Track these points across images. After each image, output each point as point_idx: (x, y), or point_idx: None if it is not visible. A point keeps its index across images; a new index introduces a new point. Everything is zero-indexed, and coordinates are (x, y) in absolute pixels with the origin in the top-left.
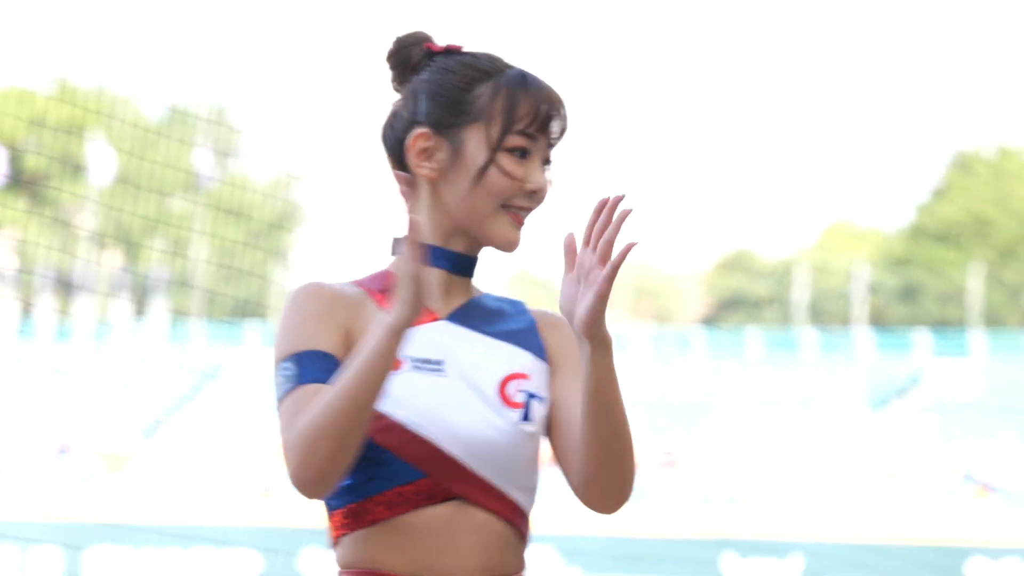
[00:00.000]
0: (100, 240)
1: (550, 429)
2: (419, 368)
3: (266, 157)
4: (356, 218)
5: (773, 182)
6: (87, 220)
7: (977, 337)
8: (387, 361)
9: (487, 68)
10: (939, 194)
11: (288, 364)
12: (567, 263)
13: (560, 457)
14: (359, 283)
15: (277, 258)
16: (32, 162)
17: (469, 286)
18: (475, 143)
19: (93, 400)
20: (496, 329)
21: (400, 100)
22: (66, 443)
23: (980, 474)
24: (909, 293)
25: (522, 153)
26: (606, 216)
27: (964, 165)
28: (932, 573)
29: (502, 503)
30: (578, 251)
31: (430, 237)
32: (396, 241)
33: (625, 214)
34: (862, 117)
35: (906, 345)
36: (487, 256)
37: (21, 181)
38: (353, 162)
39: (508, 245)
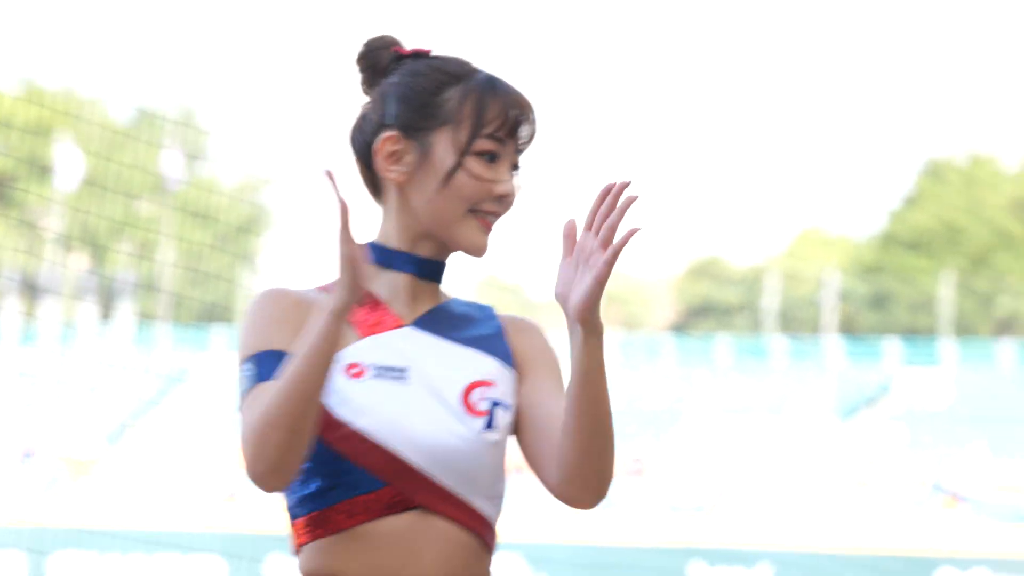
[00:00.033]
0: (66, 242)
1: (523, 431)
2: (382, 375)
3: (234, 160)
4: (324, 222)
5: (744, 189)
6: (53, 222)
7: (947, 346)
8: (330, 346)
9: (456, 72)
10: (910, 201)
11: (248, 365)
12: (565, 248)
13: (535, 457)
14: (325, 288)
15: (244, 262)
16: None
17: (437, 291)
18: (444, 146)
19: (58, 404)
20: (462, 335)
21: (369, 103)
22: (31, 447)
23: (949, 484)
24: (880, 301)
25: (491, 157)
26: (611, 201)
27: (936, 173)
28: None
29: (465, 512)
30: (578, 237)
31: (397, 242)
32: (361, 246)
33: (631, 200)
34: (833, 124)
35: (876, 353)
36: (455, 261)
37: None
38: (321, 166)
39: (476, 250)
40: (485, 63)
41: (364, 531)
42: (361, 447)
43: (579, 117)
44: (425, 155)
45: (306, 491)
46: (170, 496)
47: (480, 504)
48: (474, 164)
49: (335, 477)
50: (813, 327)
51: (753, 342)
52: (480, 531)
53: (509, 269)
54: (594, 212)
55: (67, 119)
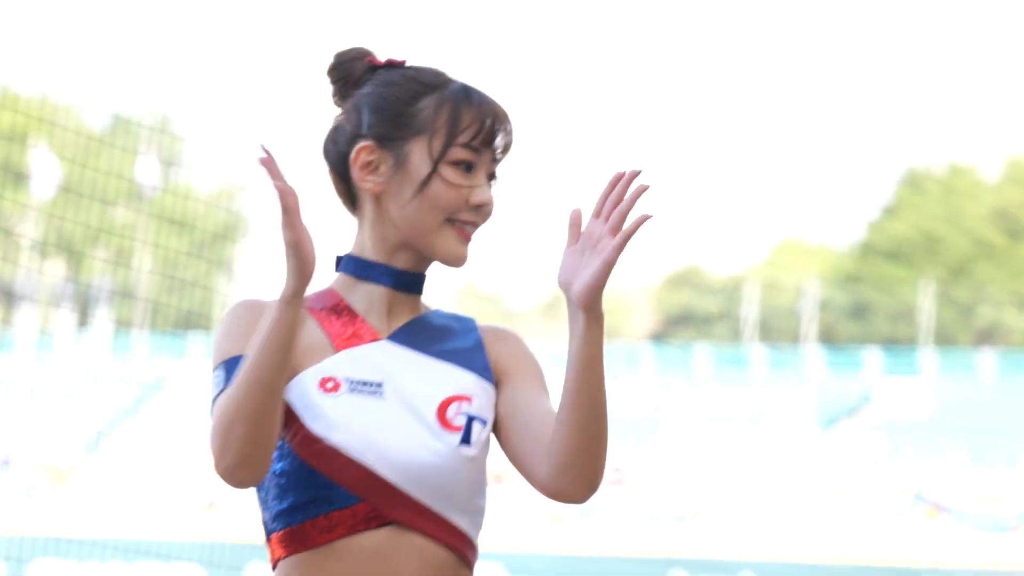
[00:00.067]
0: (42, 249)
1: (509, 433)
2: (357, 390)
3: (211, 167)
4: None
5: (723, 198)
6: (29, 228)
7: (928, 356)
8: (283, 333)
9: (431, 81)
10: (889, 211)
11: (219, 371)
12: (570, 236)
13: (523, 456)
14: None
15: (222, 269)
16: None
17: (416, 303)
18: (419, 156)
19: (35, 412)
20: (440, 349)
21: (342, 114)
22: (8, 455)
23: (931, 494)
24: (859, 311)
25: (467, 167)
26: (621, 189)
27: (914, 182)
28: None
29: (441, 528)
30: (583, 225)
31: (374, 253)
32: (338, 258)
33: (642, 188)
34: (812, 133)
35: (856, 363)
36: (433, 269)
37: None
38: (298, 174)
39: (455, 260)
40: (461, 72)
41: (340, 547)
42: (336, 462)
43: (558, 126)
44: (401, 165)
45: (282, 506)
46: (149, 504)
47: (457, 519)
48: (450, 173)
49: (310, 492)
50: (793, 337)
51: (733, 351)
52: (458, 546)
53: (488, 278)
54: (603, 199)
55: (42, 125)
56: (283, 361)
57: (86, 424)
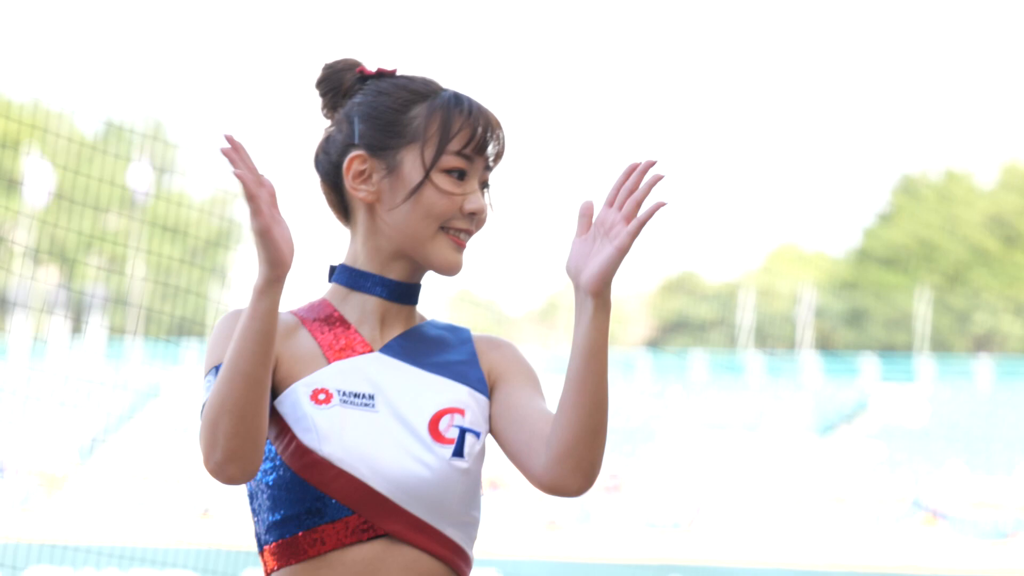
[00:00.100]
0: (35, 256)
1: (506, 430)
2: (348, 403)
3: (204, 174)
4: (294, 238)
5: (718, 204)
6: (21, 235)
7: (924, 362)
8: (260, 324)
9: (421, 90)
10: (885, 218)
11: (209, 377)
12: (580, 226)
13: (520, 450)
14: (294, 312)
15: (215, 276)
16: None
17: (411, 314)
18: (411, 164)
19: (29, 419)
20: (433, 361)
21: (333, 124)
22: (2, 463)
23: (928, 501)
24: (855, 317)
25: (460, 175)
26: (636, 178)
27: (910, 189)
28: None
29: (434, 540)
30: (595, 215)
31: (367, 263)
32: (332, 268)
33: (657, 178)
34: (808, 140)
35: (852, 370)
36: (428, 276)
37: None
38: (292, 181)
39: (449, 268)
40: (455, 80)
41: (333, 559)
42: (327, 474)
43: (551, 132)
44: (393, 173)
45: (274, 517)
46: (144, 511)
47: (450, 531)
48: (443, 181)
49: (302, 504)
50: (788, 343)
51: (729, 358)
52: (450, 559)
53: (483, 285)
54: (617, 188)
55: (34, 132)
56: (263, 352)
57: (81, 431)
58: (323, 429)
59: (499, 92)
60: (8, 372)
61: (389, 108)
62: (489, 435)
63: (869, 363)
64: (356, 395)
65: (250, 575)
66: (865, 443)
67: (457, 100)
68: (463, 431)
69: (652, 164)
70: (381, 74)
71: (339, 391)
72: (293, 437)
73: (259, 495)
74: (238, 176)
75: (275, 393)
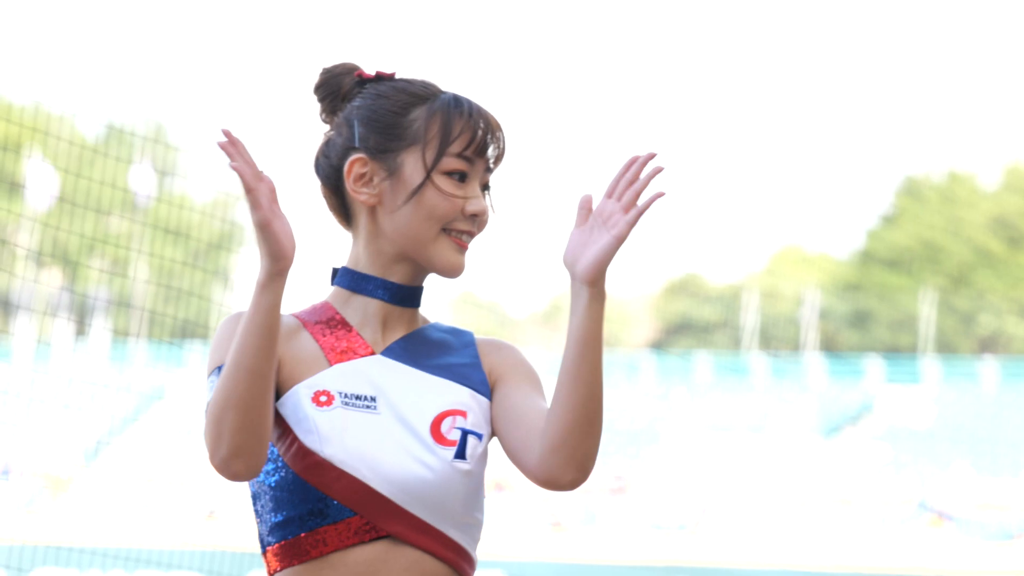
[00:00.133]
0: (38, 259)
1: (504, 427)
2: (350, 405)
3: (206, 176)
4: (297, 240)
5: (721, 206)
6: (24, 238)
7: (929, 364)
8: (262, 318)
9: (421, 92)
10: (889, 220)
11: (212, 377)
12: (579, 218)
13: (516, 445)
14: (296, 315)
15: (219, 279)
16: None
17: (413, 317)
18: (412, 166)
19: (35, 421)
20: (435, 363)
21: (333, 128)
22: (7, 465)
23: (934, 502)
24: (860, 319)
25: (460, 177)
26: (636, 169)
27: (913, 190)
28: None
29: (436, 541)
30: (594, 207)
31: (369, 266)
32: (334, 271)
33: (657, 170)
34: (811, 142)
35: (857, 372)
36: (431, 278)
37: None
38: (294, 184)
39: (452, 270)
40: (455, 84)
41: (335, 560)
42: (328, 475)
43: (554, 133)
44: (394, 176)
45: (276, 519)
46: (149, 513)
47: (453, 532)
48: (444, 183)
49: (304, 505)
50: (793, 345)
51: (733, 360)
52: (453, 560)
53: (486, 286)
54: (617, 180)
55: (36, 135)
56: (267, 346)
57: (85, 433)
58: (324, 431)
59: (502, 95)
60: (12, 375)
61: (389, 111)
62: (494, 438)
63: (874, 365)
64: (358, 397)
65: None
66: (870, 445)
67: (457, 102)
68: (465, 433)
69: (652, 156)
70: (380, 77)
71: (341, 393)
72: (295, 439)
73: (262, 496)
74: (235, 168)
75: (277, 395)
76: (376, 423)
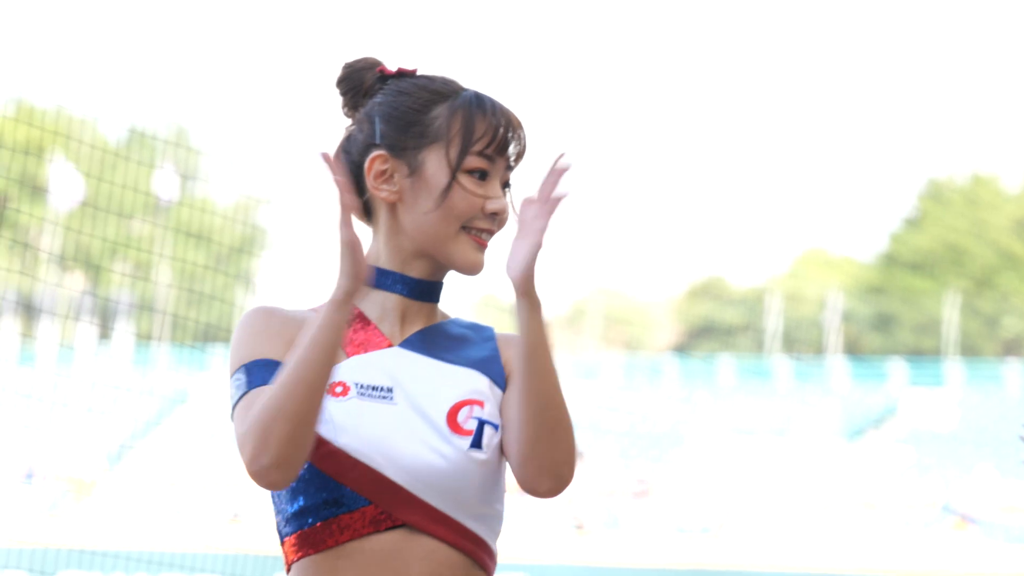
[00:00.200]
0: (61, 262)
1: (503, 432)
2: (366, 395)
3: (229, 180)
4: (320, 243)
5: (745, 209)
6: (47, 242)
7: (953, 367)
8: (333, 334)
9: (443, 90)
10: (912, 223)
11: (239, 374)
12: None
13: (507, 454)
14: (316, 309)
15: (241, 282)
16: None
17: (432, 312)
18: (434, 164)
19: (58, 425)
20: (453, 355)
21: (354, 124)
22: (31, 469)
23: (958, 505)
24: (883, 322)
25: (481, 175)
26: (555, 175)
27: (936, 193)
28: None
29: (453, 531)
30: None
31: (388, 262)
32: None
33: (563, 169)
34: (834, 145)
35: (881, 375)
36: (453, 279)
37: None
38: (317, 186)
39: (471, 268)
40: (475, 83)
41: (351, 549)
42: (343, 464)
43: (577, 134)
44: (415, 173)
45: (293, 509)
46: (173, 517)
47: (470, 523)
48: (466, 181)
49: (321, 495)
50: (816, 348)
51: (756, 363)
52: (470, 550)
53: (507, 289)
54: (540, 188)
55: (58, 139)
56: (329, 362)
57: (109, 437)
58: (339, 420)
59: (525, 93)
60: (36, 378)
61: (410, 108)
62: None
63: (897, 368)
64: (374, 388)
65: None
66: (894, 448)
67: (478, 100)
68: (482, 423)
69: (560, 156)
70: (401, 74)
71: (357, 384)
72: None
73: None
74: (338, 183)
75: None
76: (392, 413)
